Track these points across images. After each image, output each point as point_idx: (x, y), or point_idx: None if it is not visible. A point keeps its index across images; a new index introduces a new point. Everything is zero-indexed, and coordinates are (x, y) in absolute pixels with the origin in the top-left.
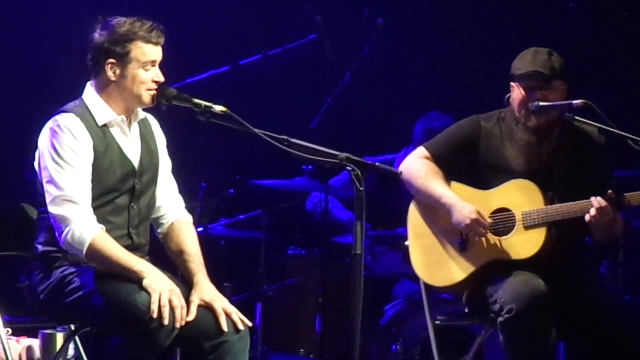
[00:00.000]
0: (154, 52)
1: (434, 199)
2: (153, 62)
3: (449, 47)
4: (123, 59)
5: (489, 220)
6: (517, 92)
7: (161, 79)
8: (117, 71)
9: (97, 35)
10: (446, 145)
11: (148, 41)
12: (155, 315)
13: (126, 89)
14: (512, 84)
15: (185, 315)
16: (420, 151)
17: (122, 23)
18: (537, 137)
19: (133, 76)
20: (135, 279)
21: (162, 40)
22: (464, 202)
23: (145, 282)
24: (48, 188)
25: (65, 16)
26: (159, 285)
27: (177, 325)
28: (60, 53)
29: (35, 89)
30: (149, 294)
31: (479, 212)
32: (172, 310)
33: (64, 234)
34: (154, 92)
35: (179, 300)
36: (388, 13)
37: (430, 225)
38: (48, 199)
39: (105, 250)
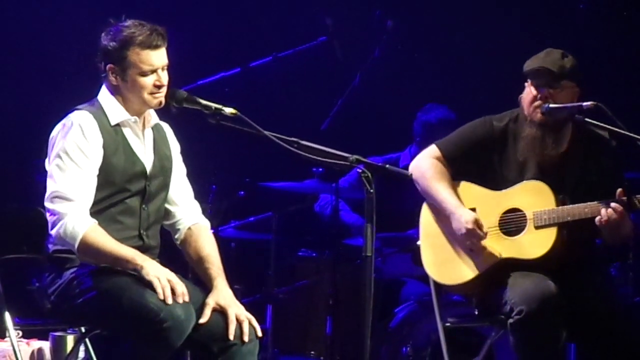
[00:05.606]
0: (154, 58)
1: (437, 202)
2: (153, 69)
3: (459, 48)
4: (121, 64)
5: (495, 221)
6: (527, 90)
7: (163, 83)
8: (118, 76)
9: (102, 39)
10: (458, 145)
11: (147, 46)
12: (161, 297)
13: (129, 92)
14: (525, 84)
15: (186, 292)
16: (432, 150)
17: (125, 27)
18: (542, 132)
19: (133, 82)
20: (130, 269)
21: (162, 43)
22: (463, 209)
23: (142, 273)
24: (48, 182)
25: (77, 19)
26: (155, 272)
27: (180, 300)
28: (71, 56)
29: (47, 92)
30: (151, 287)
31: (476, 222)
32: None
33: (56, 228)
34: (159, 96)
35: (177, 280)
36: (398, 15)
37: (441, 224)
38: (46, 194)
39: (97, 244)
